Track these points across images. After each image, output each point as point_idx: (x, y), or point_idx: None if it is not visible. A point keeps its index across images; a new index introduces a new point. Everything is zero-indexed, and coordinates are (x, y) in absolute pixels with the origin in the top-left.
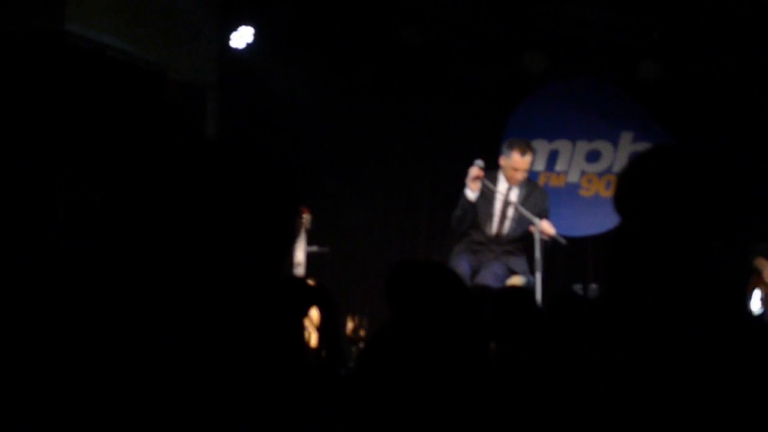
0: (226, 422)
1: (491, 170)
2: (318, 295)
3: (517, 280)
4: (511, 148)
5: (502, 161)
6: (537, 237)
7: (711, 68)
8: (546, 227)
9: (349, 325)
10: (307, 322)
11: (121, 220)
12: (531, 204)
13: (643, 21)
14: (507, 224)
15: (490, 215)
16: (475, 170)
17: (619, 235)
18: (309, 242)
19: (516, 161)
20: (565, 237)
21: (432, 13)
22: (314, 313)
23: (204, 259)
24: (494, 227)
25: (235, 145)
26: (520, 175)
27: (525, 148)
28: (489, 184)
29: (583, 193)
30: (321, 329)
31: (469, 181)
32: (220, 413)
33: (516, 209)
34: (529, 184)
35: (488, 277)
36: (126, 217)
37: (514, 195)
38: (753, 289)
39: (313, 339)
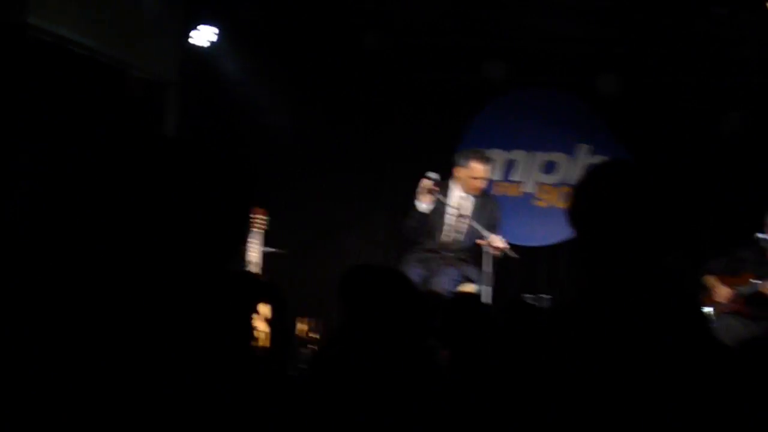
0: (169, 417)
1: (443, 180)
2: (268, 290)
3: (469, 288)
4: (468, 158)
5: (460, 172)
6: (487, 251)
7: (670, 84)
8: (496, 242)
9: (301, 327)
10: (257, 319)
11: (75, 212)
12: (484, 215)
13: (604, 34)
14: (459, 235)
15: (441, 226)
16: (427, 183)
17: (575, 247)
18: (266, 243)
19: (477, 170)
20: (519, 246)
21: (394, 19)
22: (265, 310)
23: (155, 252)
24: (446, 237)
25: (191, 141)
26: (481, 184)
27: (485, 157)
28: (441, 197)
29: (538, 203)
30: (271, 325)
31: (420, 194)
32: (163, 408)
33: (468, 220)
34: (483, 195)
35: (442, 282)
36: (80, 209)
37: (467, 207)
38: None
39: (263, 336)
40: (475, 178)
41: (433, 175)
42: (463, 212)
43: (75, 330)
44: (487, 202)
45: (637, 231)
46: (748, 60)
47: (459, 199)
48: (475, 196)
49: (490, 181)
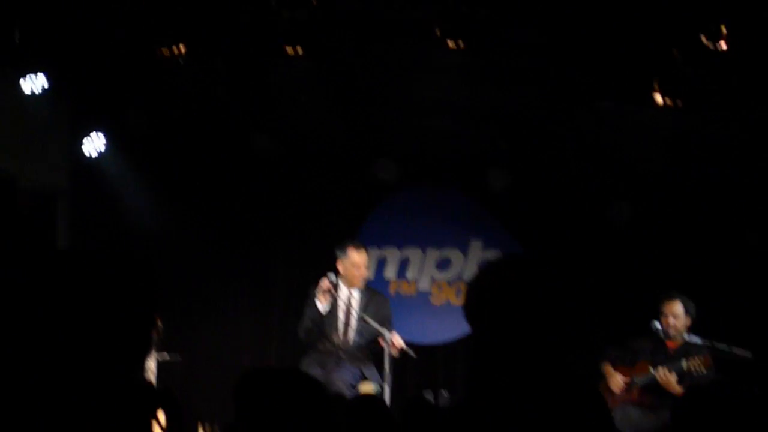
0: None
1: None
2: (164, 398)
3: (368, 387)
4: (345, 248)
5: (341, 265)
6: (386, 350)
7: (558, 176)
8: (395, 340)
9: None
10: (154, 426)
11: None
12: (372, 311)
13: (490, 130)
14: (351, 333)
15: (335, 325)
16: (325, 283)
17: (472, 345)
18: (159, 349)
19: (354, 258)
20: (416, 344)
21: (282, 121)
22: (161, 417)
23: (56, 366)
24: (340, 336)
25: (88, 253)
26: (361, 272)
27: (358, 244)
28: (335, 293)
29: (433, 300)
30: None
31: (319, 294)
32: None
33: (359, 317)
34: (369, 290)
35: (341, 380)
36: None
37: (355, 302)
38: None
39: None
40: (354, 266)
41: (332, 276)
42: (352, 308)
43: None
44: (375, 297)
45: (531, 325)
46: (634, 151)
47: (347, 296)
48: (362, 291)
49: (386, 281)
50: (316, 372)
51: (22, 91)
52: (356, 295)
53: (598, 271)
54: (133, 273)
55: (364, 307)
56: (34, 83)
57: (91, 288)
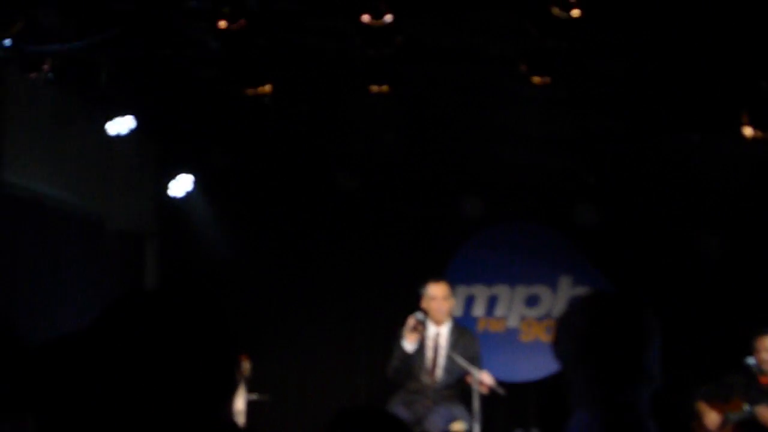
0: None
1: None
2: None
3: (459, 426)
4: (426, 284)
5: (424, 303)
6: (475, 388)
7: (647, 211)
8: (485, 378)
9: None
10: None
11: (63, 367)
12: (461, 348)
13: (578, 165)
14: (439, 372)
15: (423, 364)
16: (412, 321)
17: (561, 381)
18: (249, 390)
19: (432, 291)
20: (505, 382)
21: (368, 158)
22: None
23: (145, 406)
24: (428, 375)
25: (173, 295)
26: (438, 305)
27: (437, 278)
28: (422, 332)
29: (523, 338)
30: None
31: (407, 333)
32: None
33: (447, 355)
34: (457, 328)
35: (434, 422)
36: (67, 364)
37: (443, 340)
38: None
39: None
40: (433, 299)
41: (419, 314)
42: (440, 346)
43: None
44: (464, 334)
45: (620, 362)
46: (723, 184)
47: (435, 334)
48: (450, 329)
49: (474, 318)
50: (404, 414)
51: (108, 133)
52: (444, 333)
53: (690, 306)
54: (216, 313)
55: (453, 344)
56: (120, 125)
57: (175, 328)
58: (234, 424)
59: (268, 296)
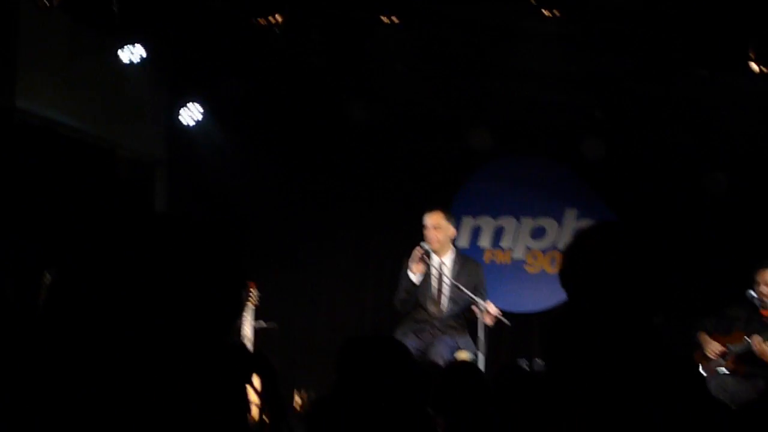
0: None
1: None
2: (259, 362)
3: (464, 355)
4: (423, 216)
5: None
6: (480, 318)
7: (653, 145)
8: (490, 308)
9: (298, 400)
10: (250, 391)
11: (72, 289)
12: (465, 276)
13: (585, 100)
14: (444, 301)
15: (428, 294)
16: (418, 252)
17: (565, 311)
18: (256, 317)
19: (424, 220)
20: (510, 313)
21: (377, 90)
22: (256, 381)
23: (152, 326)
24: (434, 305)
25: (182, 218)
26: (431, 234)
27: (431, 208)
28: (428, 262)
29: (528, 269)
30: (262, 396)
31: (412, 264)
32: None
33: (451, 284)
34: (461, 257)
35: (439, 351)
36: (77, 286)
37: (447, 269)
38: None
39: (256, 409)
40: (425, 228)
41: (425, 245)
42: (444, 275)
43: (76, 401)
44: (467, 263)
45: (626, 292)
46: (730, 120)
47: (438, 264)
48: (453, 258)
49: (481, 249)
50: (412, 342)
51: (120, 61)
52: (448, 263)
53: (694, 239)
54: (223, 238)
55: (457, 273)
56: (132, 53)
57: (182, 251)
58: (241, 345)
59: (278, 226)
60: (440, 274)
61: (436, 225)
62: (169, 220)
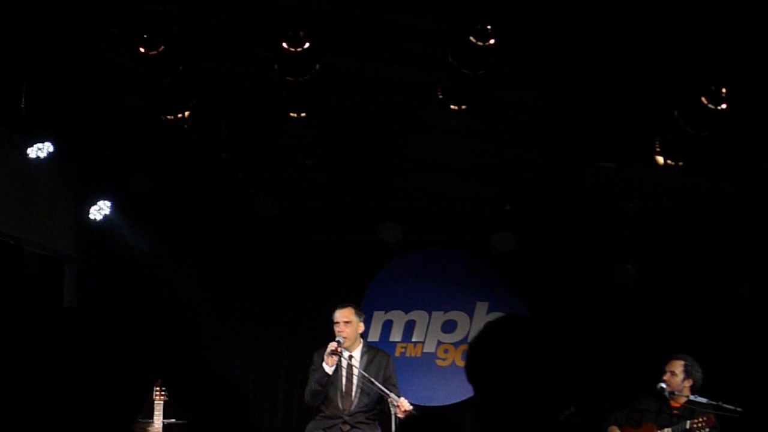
0: None
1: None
2: None
3: None
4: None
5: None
6: (392, 411)
7: (563, 238)
8: (402, 404)
9: None
10: None
11: None
12: (375, 367)
13: (494, 193)
14: (355, 395)
15: (339, 387)
16: (333, 345)
17: (475, 404)
18: (166, 414)
19: (334, 316)
20: (423, 407)
21: (287, 183)
22: None
23: (49, 424)
24: (344, 400)
25: (86, 316)
26: (340, 329)
27: (341, 304)
28: (341, 355)
29: (439, 363)
30: None
31: (326, 357)
32: None
33: (360, 375)
34: (371, 349)
35: None
36: None
37: (356, 361)
38: None
39: None
40: (335, 324)
41: (340, 338)
42: (354, 366)
43: None
44: (377, 355)
45: (532, 385)
46: (637, 212)
47: (347, 357)
48: (362, 351)
49: (393, 343)
50: None
51: (28, 157)
52: (357, 356)
53: (604, 331)
54: (124, 338)
55: (366, 365)
56: (40, 149)
57: (84, 349)
58: None
59: (188, 320)
60: (350, 367)
61: (348, 320)
62: (69, 316)
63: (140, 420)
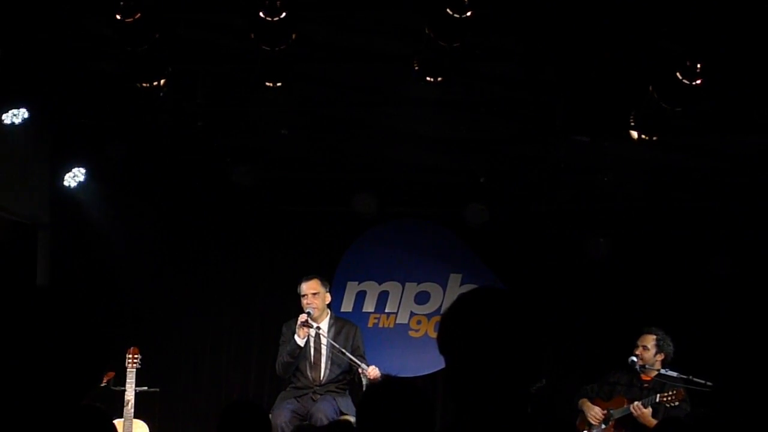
0: None
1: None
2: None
3: (348, 419)
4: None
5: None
6: (364, 381)
7: (537, 211)
8: (372, 373)
9: None
10: None
11: None
12: (343, 338)
13: (469, 165)
14: (324, 365)
15: (308, 359)
16: (304, 317)
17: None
18: (138, 382)
19: (300, 288)
20: (394, 377)
21: (262, 153)
22: None
23: (13, 387)
24: (313, 370)
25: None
26: (307, 301)
27: (308, 276)
28: (311, 326)
29: (412, 334)
30: None
31: (298, 328)
32: None
33: (329, 345)
34: (338, 320)
35: (320, 412)
36: None
37: (324, 332)
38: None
39: None
40: (301, 296)
41: (309, 310)
42: (322, 336)
43: None
44: (345, 325)
45: (503, 358)
46: (611, 186)
47: (316, 328)
48: (329, 322)
49: (366, 314)
50: (289, 409)
51: (2, 123)
52: (324, 327)
53: (577, 305)
54: (82, 306)
55: (334, 335)
56: (15, 115)
57: (38, 317)
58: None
59: (161, 289)
60: (318, 338)
61: (315, 291)
62: (42, 289)
63: (112, 387)
